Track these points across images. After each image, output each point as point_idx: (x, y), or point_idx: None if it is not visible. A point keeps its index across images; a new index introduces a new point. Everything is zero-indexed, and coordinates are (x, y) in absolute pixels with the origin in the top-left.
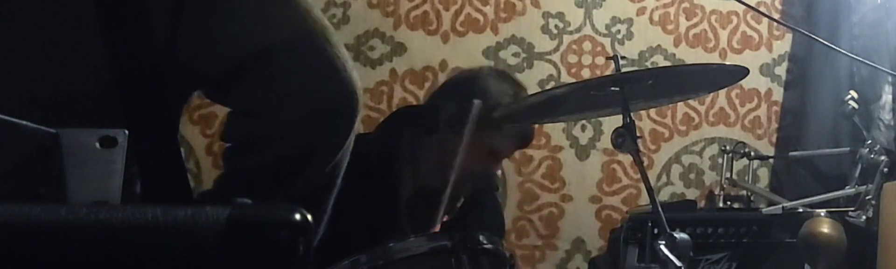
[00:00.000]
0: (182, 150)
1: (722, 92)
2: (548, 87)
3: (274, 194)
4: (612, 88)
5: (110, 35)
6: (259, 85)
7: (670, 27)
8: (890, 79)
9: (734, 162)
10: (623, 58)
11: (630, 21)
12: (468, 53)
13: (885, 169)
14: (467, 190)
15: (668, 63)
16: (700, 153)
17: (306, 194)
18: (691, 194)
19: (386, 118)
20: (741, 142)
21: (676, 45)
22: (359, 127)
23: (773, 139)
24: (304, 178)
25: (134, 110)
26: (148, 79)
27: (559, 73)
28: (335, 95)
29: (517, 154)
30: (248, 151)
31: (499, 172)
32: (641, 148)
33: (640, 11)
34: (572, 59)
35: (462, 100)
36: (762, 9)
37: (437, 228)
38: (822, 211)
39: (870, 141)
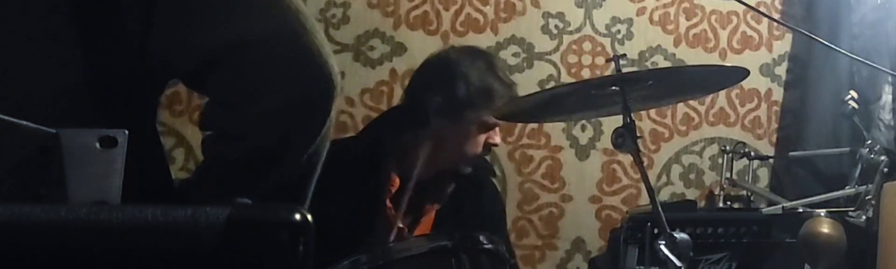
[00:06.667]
0: (181, 150)
1: (722, 92)
2: (548, 87)
3: (254, 182)
4: (613, 88)
5: (86, 30)
6: (235, 75)
7: (670, 27)
8: (890, 79)
9: (734, 162)
10: (623, 56)
11: (630, 21)
12: None
13: (885, 169)
14: (462, 174)
15: (668, 63)
16: (700, 153)
17: (287, 181)
18: (691, 194)
19: (372, 121)
20: (741, 142)
21: (676, 45)
22: (360, 128)
23: (773, 139)
24: (283, 165)
25: (111, 103)
26: (124, 71)
27: (559, 73)
28: (312, 81)
29: (517, 154)
30: (227, 139)
31: (496, 170)
32: (641, 148)
33: (640, 11)
34: (572, 59)
35: (442, 86)
36: (762, 9)
37: (430, 218)
38: (822, 211)
39: (870, 141)
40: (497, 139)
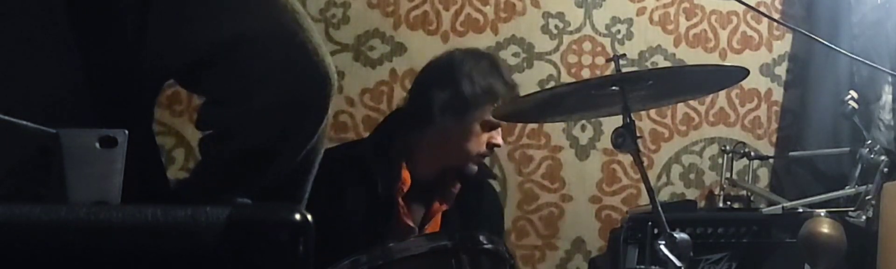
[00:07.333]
0: (181, 150)
1: (722, 92)
2: (548, 87)
3: (250, 181)
4: (612, 88)
5: (84, 30)
6: (230, 73)
7: (670, 27)
8: (890, 79)
9: (734, 162)
10: (623, 56)
11: (630, 21)
12: None
13: (885, 169)
14: (469, 175)
15: (668, 63)
16: (700, 153)
17: (284, 179)
18: (691, 194)
19: (379, 124)
20: (741, 142)
21: (676, 45)
22: (360, 128)
23: (773, 139)
24: (279, 163)
25: (110, 103)
26: (122, 72)
27: (559, 73)
28: (307, 80)
29: (517, 154)
30: (223, 138)
31: (496, 170)
32: (641, 148)
33: (640, 11)
34: (572, 59)
35: (447, 85)
36: (762, 9)
37: (438, 218)
38: (822, 211)
39: (870, 141)
40: (499, 140)
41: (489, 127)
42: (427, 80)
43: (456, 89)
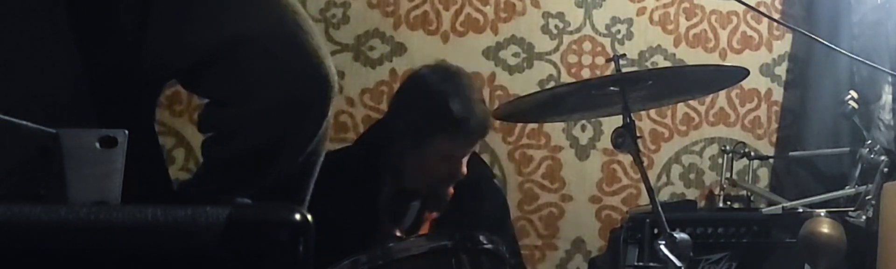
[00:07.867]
0: (181, 150)
1: (722, 92)
2: (548, 87)
3: (252, 182)
4: (612, 88)
5: (83, 30)
6: (230, 74)
7: (670, 27)
8: (890, 79)
9: (734, 162)
10: (623, 56)
11: (630, 21)
12: (468, 53)
13: (885, 169)
14: (445, 190)
15: (668, 63)
16: (700, 153)
17: (286, 181)
18: (691, 194)
19: (368, 128)
20: (741, 142)
21: (676, 45)
22: (360, 128)
23: (773, 139)
24: (280, 165)
25: (111, 103)
26: (122, 72)
27: (559, 73)
28: (308, 81)
29: (517, 154)
30: (224, 140)
31: (496, 170)
32: (641, 148)
33: (640, 11)
34: (572, 59)
35: (410, 108)
36: (762, 9)
37: (426, 224)
38: (822, 211)
39: (870, 141)
40: (463, 170)
41: (448, 156)
42: (395, 101)
43: (412, 118)
